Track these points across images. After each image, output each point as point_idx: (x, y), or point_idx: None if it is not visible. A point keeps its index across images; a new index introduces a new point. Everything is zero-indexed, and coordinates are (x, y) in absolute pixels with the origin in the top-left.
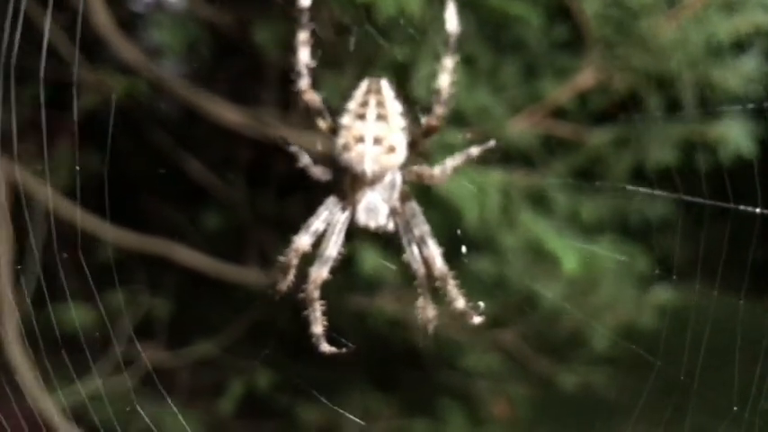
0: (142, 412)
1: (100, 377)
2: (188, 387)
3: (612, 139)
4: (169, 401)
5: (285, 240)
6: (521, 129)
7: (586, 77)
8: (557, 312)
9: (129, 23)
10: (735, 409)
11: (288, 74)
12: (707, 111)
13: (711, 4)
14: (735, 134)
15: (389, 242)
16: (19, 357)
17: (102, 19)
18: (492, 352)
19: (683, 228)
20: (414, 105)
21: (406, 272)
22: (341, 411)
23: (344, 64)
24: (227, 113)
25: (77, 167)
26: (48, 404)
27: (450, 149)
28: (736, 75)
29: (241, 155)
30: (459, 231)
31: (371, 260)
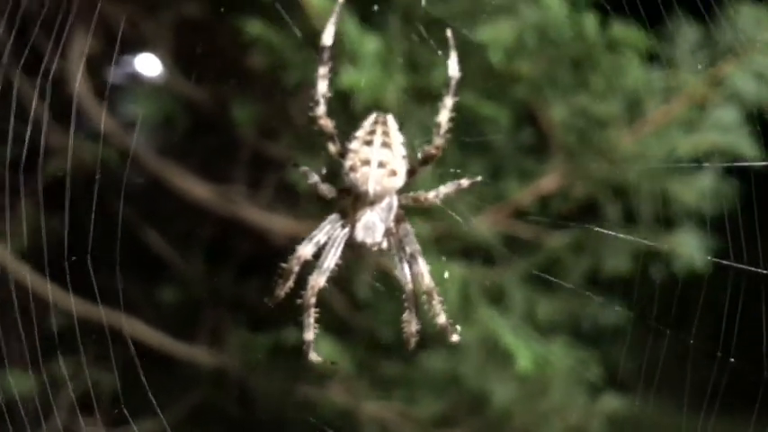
0: None
1: None
2: None
3: (570, 243)
4: None
5: (239, 323)
6: (483, 226)
7: (549, 182)
8: (507, 413)
9: (105, 93)
10: None
11: (259, 154)
12: (662, 222)
13: (673, 120)
14: (688, 246)
15: (346, 332)
16: None
17: (79, 86)
18: None
19: (633, 338)
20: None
21: (360, 363)
22: None
23: (318, 149)
24: (195, 188)
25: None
26: None
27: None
28: (693, 190)
29: (203, 232)
30: None
31: (325, 350)
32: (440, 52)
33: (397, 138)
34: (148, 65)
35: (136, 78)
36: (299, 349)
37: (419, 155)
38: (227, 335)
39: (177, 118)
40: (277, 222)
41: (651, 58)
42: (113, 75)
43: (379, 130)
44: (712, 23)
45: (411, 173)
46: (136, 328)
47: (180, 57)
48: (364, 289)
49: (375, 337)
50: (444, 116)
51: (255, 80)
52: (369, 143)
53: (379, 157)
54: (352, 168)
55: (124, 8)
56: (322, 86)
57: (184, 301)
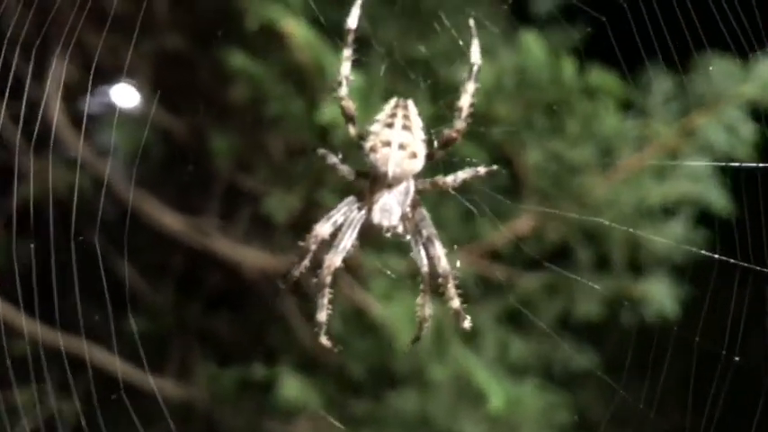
0: None
1: None
2: None
3: (543, 285)
4: None
5: (207, 356)
6: (457, 265)
7: (522, 224)
8: None
9: (82, 122)
10: None
11: (234, 186)
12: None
13: (645, 168)
14: (659, 293)
15: (315, 368)
16: None
17: (56, 114)
18: None
19: (603, 384)
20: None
21: (329, 400)
22: None
23: (295, 183)
24: (167, 219)
25: None
26: None
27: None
28: (663, 237)
29: (175, 263)
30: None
31: (293, 386)
32: (461, 42)
33: (417, 122)
34: (127, 94)
35: (113, 107)
36: (267, 384)
37: (435, 142)
38: (196, 368)
39: (153, 148)
40: (249, 255)
41: (626, 105)
42: (91, 103)
43: (400, 113)
44: (685, 74)
45: (429, 157)
46: (102, 358)
47: (159, 87)
48: (335, 324)
49: (345, 374)
50: (466, 101)
51: (235, 112)
52: (390, 125)
53: (400, 140)
54: (373, 149)
55: (104, 37)
56: (345, 68)
57: (153, 333)
